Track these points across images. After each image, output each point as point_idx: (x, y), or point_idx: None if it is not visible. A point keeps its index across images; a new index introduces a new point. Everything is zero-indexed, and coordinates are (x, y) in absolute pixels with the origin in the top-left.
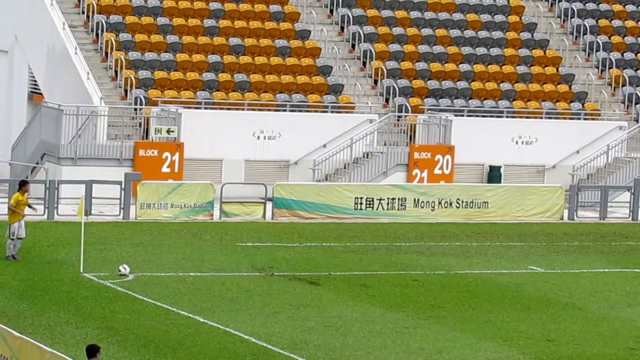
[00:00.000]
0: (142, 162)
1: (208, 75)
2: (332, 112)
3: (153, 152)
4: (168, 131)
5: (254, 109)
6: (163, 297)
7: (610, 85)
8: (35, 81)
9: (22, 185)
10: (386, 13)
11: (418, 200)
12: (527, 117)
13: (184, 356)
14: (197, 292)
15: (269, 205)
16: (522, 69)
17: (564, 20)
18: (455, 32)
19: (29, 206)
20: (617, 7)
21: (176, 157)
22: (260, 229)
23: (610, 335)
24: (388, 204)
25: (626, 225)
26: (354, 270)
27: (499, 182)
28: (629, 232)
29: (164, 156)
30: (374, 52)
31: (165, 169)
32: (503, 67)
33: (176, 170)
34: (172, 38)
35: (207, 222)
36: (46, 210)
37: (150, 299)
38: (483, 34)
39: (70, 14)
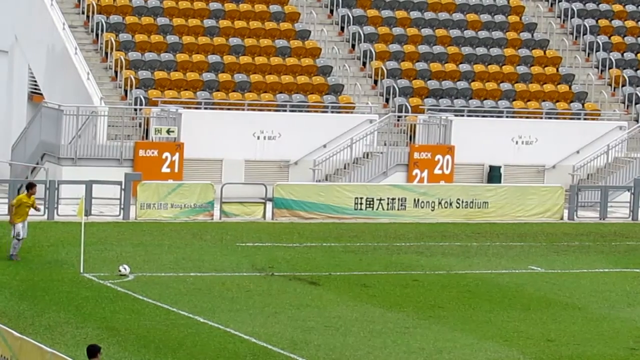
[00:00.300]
0: (142, 162)
1: (208, 76)
2: (332, 112)
3: (153, 152)
4: (168, 131)
5: (254, 109)
6: (163, 298)
7: (610, 85)
8: (35, 81)
9: (30, 187)
10: (386, 13)
11: (418, 200)
12: (527, 117)
13: (184, 356)
14: (198, 292)
15: (269, 205)
16: (522, 69)
17: (564, 20)
18: (455, 32)
19: (35, 208)
20: (617, 7)
21: (176, 157)
22: (261, 229)
23: (610, 335)
24: (388, 204)
25: (626, 225)
26: (354, 270)
27: (499, 182)
28: (629, 232)
29: (164, 156)
30: (374, 52)
31: (165, 169)
32: (503, 67)
33: (176, 170)
34: (172, 38)
35: (207, 222)
36: (46, 210)
37: (150, 299)
38: (483, 34)
39: (70, 14)
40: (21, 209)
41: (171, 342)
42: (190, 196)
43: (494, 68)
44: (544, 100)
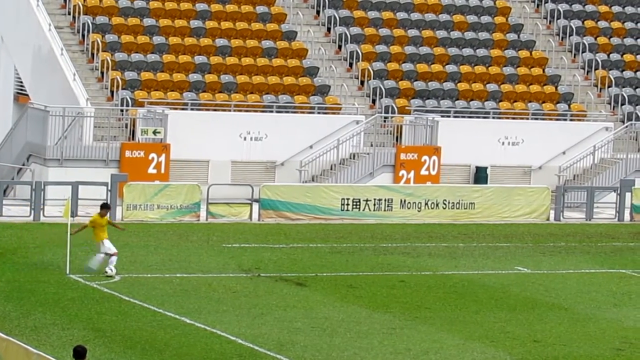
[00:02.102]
0: (129, 163)
1: (194, 76)
2: (318, 113)
3: (139, 153)
4: (154, 132)
5: (240, 110)
6: (149, 299)
7: (596, 86)
8: (22, 82)
9: (102, 208)
10: (373, 14)
11: (404, 201)
12: (514, 118)
13: (171, 357)
14: (184, 293)
15: (256, 206)
16: (508, 70)
17: (550, 22)
18: (441, 33)
19: (115, 226)
20: (603, 8)
21: (162, 158)
22: (247, 230)
23: (596, 336)
24: (374, 204)
25: (612, 226)
26: (341, 271)
27: (486, 183)
28: (615, 232)
29: (150, 157)
30: (360, 53)
31: (151, 170)
32: (489, 68)
33: (162, 171)
34: (158, 39)
35: (194, 223)
36: (32, 211)
37: (136, 300)
38: (469, 35)
39: (56, 15)
40: (98, 229)
41: (157, 343)
42: (176, 197)
43: (480, 69)
44: (530, 101)
